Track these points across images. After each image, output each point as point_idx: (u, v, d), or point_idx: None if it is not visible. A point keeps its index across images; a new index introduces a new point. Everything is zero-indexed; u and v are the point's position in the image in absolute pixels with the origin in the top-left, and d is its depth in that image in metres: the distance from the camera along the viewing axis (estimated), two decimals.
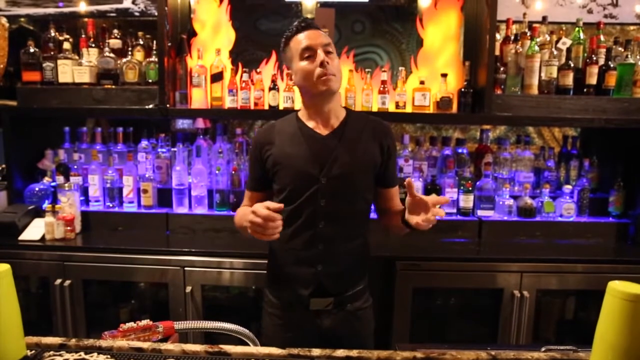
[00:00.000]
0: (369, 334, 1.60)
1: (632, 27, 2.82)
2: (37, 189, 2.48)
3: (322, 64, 1.41)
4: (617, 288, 0.88)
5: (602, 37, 2.39)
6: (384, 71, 2.35)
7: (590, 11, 2.79)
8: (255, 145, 1.56)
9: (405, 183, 1.36)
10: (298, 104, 2.38)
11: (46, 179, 2.52)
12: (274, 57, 2.51)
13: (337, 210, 1.47)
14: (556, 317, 2.36)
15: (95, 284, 2.33)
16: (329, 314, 1.50)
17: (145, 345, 1.12)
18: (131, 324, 1.19)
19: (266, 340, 1.52)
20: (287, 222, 1.42)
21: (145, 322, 1.20)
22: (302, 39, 1.45)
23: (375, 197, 1.60)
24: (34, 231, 2.29)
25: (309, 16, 2.91)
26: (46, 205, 2.31)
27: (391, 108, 2.36)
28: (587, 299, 2.31)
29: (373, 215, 1.66)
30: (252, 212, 1.28)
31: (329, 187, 1.44)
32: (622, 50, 2.38)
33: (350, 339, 1.48)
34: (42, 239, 2.26)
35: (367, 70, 2.40)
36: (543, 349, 1.24)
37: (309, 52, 1.44)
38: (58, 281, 2.15)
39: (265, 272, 1.67)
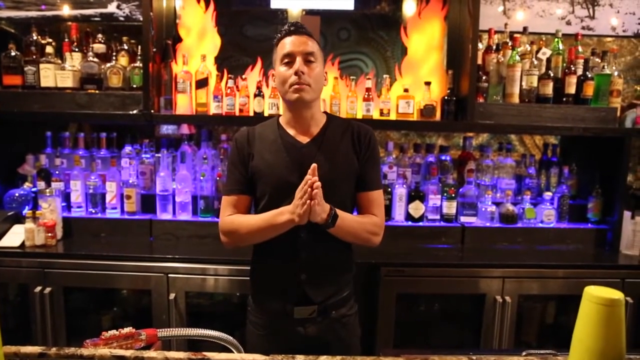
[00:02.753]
0: (355, 341, 1.59)
1: (608, 39, 2.90)
2: (17, 194, 2.44)
3: (296, 73, 1.40)
4: (593, 293, 0.91)
5: (580, 48, 2.46)
6: (369, 79, 2.38)
7: (568, 23, 2.87)
8: (236, 147, 1.53)
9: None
10: (282, 111, 2.39)
11: (27, 185, 2.48)
12: (259, 63, 2.52)
13: None
14: (537, 322, 2.40)
15: (77, 291, 2.29)
16: (313, 321, 1.49)
17: (127, 353, 1.11)
18: (113, 332, 1.17)
19: (250, 349, 1.47)
20: None
21: (127, 330, 1.18)
22: (286, 44, 1.45)
23: (357, 203, 1.57)
24: (14, 237, 2.24)
25: None
26: (26, 211, 2.27)
27: (375, 115, 2.38)
28: (567, 304, 2.36)
29: None
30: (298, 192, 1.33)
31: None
32: (599, 61, 2.45)
33: (335, 346, 1.48)
34: (22, 245, 2.22)
35: (351, 77, 2.42)
36: (524, 353, 1.26)
37: (288, 58, 1.43)
38: (38, 289, 2.11)
39: (249, 279, 1.66)
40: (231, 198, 1.52)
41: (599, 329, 0.89)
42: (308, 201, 1.32)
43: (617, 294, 0.90)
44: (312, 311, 1.47)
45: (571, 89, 2.37)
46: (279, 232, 1.42)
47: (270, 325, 1.52)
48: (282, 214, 1.39)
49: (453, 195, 2.45)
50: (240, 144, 1.52)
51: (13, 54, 2.37)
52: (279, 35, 1.48)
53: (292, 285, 1.47)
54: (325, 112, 1.60)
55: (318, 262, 1.48)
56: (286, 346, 1.40)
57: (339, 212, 1.41)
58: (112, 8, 2.83)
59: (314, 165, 1.33)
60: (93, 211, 2.47)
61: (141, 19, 2.36)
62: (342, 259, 1.55)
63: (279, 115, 1.59)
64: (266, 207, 1.46)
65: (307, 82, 1.41)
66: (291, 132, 1.51)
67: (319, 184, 1.32)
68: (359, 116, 2.37)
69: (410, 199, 2.43)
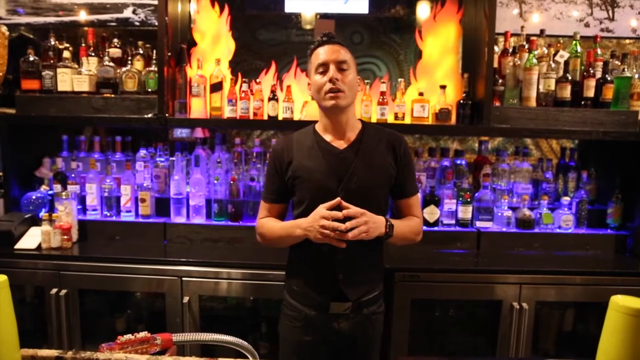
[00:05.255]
0: (378, 338, 1.67)
1: (628, 41, 2.85)
2: (34, 197, 2.47)
3: (331, 80, 1.48)
4: (620, 302, 0.88)
5: (599, 51, 2.41)
6: (383, 82, 2.36)
7: (587, 25, 2.82)
8: (274, 156, 1.62)
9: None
10: (297, 115, 2.39)
11: (43, 188, 2.51)
12: (273, 67, 2.52)
13: None
14: (555, 329, 2.35)
15: (92, 293, 2.31)
16: (346, 317, 1.56)
17: (143, 358, 1.11)
18: (129, 336, 1.17)
19: (283, 341, 1.63)
20: None
21: (143, 335, 1.18)
22: (319, 53, 1.53)
23: (396, 209, 1.67)
24: (30, 240, 2.27)
25: (308, 27, 2.93)
26: (43, 213, 2.29)
27: (390, 119, 2.36)
28: (586, 311, 2.31)
29: None
30: (322, 217, 1.42)
31: (347, 200, 1.47)
32: (619, 63, 2.40)
33: (362, 341, 1.58)
34: (39, 247, 2.24)
35: (366, 81, 2.41)
36: None
37: (322, 67, 1.52)
38: (54, 291, 2.12)
39: (281, 283, 1.70)
40: (267, 205, 1.66)
41: (626, 340, 0.86)
42: (328, 238, 1.42)
43: None
44: (347, 307, 1.54)
45: (590, 93, 2.32)
46: (296, 242, 1.54)
47: (305, 318, 1.58)
48: (297, 228, 1.50)
49: (468, 199, 2.42)
50: (278, 154, 1.61)
51: (31, 58, 2.41)
52: (313, 46, 1.58)
53: (328, 284, 1.54)
54: (359, 119, 1.65)
55: (354, 263, 1.54)
56: (318, 339, 1.56)
57: (393, 221, 1.52)
58: (127, 13, 2.86)
59: (338, 199, 1.44)
60: (108, 214, 2.48)
61: (156, 23, 2.39)
62: (375, 260, 1.63)
63: (315, 122, 1.65)
64: (305, 211, 1.53)
65: (341, 89, 1.49)
66: (327, 137, 1.58)
67: (348, 227, 1.40)
68: (374, 120, 2.35)
69: (425, 203, 2.41)
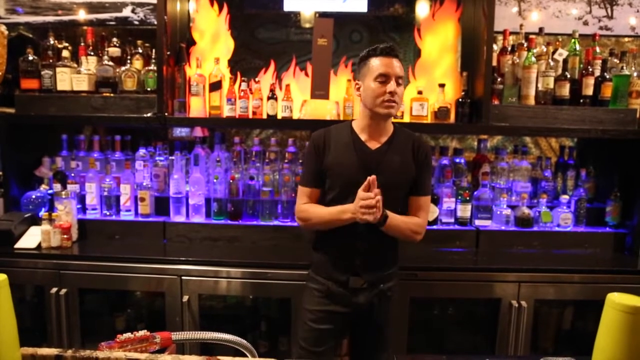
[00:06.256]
0: (393, 312, 1.84)
1: (626, 39, 2.85)
2: (33, 196, 2.47)
3: (390, 92, 1.64)
4: (617, 300, 0.88)
5: (597, 49, 2.41)
6: None
7: (585, 23, 2.82)
8: (313, 145, 1.77)
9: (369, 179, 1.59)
10: (296, 114, 2.39)
11: (43, 187, 2.51)
12: (272, 66, 2.52)
13: None
14: (554, 327, 2.36)
15: (91, 292, 2.31)
16: (364, 291, 1.75)
17: (142, 356, 1.11)
18: (128, 335, 1.17)
19: (304, 312, 1.81)
20: None
21: (142, 333, 1.18)
22: (382, 64, 1.66)
23: (408, 206, 1.79)
24: (30, 239, 2.27)
25: (307, 26, 2.93)
26: (43, 213, 2.29)
27: None
28: (585, 309, 2.31)
29: None
30: (361, 199, 1.59)
31: None
32: (618, 61, 2.40)
33: (378, 314, 1.77)
34: (38, 247, 2.25)
35: None
36: None
37: (383, 78, 1.65)
38: (54, 290, 2.13)
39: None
40: (306, 189, 1.79)
41: (623, 338, 0.87)
42: (371, 211, 1.58)
43: None
44: (364, 282, 1.74)
45: (588, 91, 2.32)
46: (341, 224, 1.69)
47: (327, 290, 1.77)
48: (345, 212, 1.66)
49: (467, 198, 2.42)
50: (317, 142, 1.76)
51: (30, 58, 2.41)
52: (371, 51, 1.69)
53: (348, 267, 1.74)
54: (392, 124, 1.80)
55: (371, 251, 1.74)
56: (338, 307, 1.75)
57: (388, 213, 1.66)
58: (126, 12, 2.86)
59: (373, 177, 1.58)
60: (107, 213, 2.49)
61: (155, 22, 2.38)
62: (391, 249, 1.81)
63: (352, 120, 1.81)
64: (334, 199, 1.73)
65: (396, 101, 1.67)
66: (363, 137, 1.75)
67: (379, 195, 1.58)
68: None
69: None
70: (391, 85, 1.64)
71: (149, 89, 2.39)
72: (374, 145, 1.74)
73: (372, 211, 1.58)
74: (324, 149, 1.74)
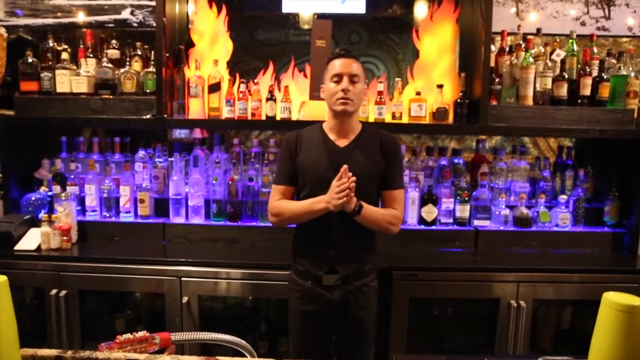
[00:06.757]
0: (371, 312, 1.86)
1: (624, 40, 2.86)
2: (33, 198, 2.48)
3: (343, 90, 1.72)
4: (612, 299, 0.89)
5: (595, 49, 2.42)
6: (381, 82, 2.37)
7: (583, 23, 2.83)
8: (286, 146, 1.85)
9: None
10: (295, 115, 2.41)
11: (43, 189, 2.51)
12: (271, 67, 2.53)
13: None
14: (553, 327, 2.36)
15: (91, 294, 2.32)
16: (338, 288, 1.78)
17: (141, 357, 1.12)
18: (128, 336, 1.18)
19: (290, 312, 1.87)
20: None
21: (142, 334, 1.19)
22: (336, 65, 1.76)
23: (382, 200, 1.86)
24: (30, 241, 2.28)
25: (306, 27, 2.94)
26: (42, 215, 2.30)
27: (388, 118, 2.37)
28: (584, 309, 2.32)
29: None
30: (335, 186, 1.65)
31: None
32: (615, 62, 2.41)
33: (354, 310, 1.80)
34: (38, 248, 2.25)
35: None
36: (539, 359, 1.24)
37: (337, 77, 1.75)
38: (53, 291, 2.13)
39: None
40: (279, 187, 1.85)
41: (619, 337, 0.87)
42: (345, 194, 1.63)
43: (637, 301, 0.88)
44: (337, 279, 1.78)
45: (586, 91, 2.33)
46: (315, 216, 1.74)
47: (304, 290, 1.82)
48: (319, 202, 1.71)
49: (466, 198, 2.43)
50: (290, 143, 1.84)
51: (30, 60, 2.41)
52: (331, 56, 1.81)
53: (323, 259, 1.79)
54: (360, 122, 1.88)
55: (345, 243, 1.78)
56: (315, 308, 1.80)
57: (363, 204, 1.71)
58: (125, 14, 2.87)
59: (345, 166, 1.65)
60: (107, 215, 2.49)
61: (154, 24, 2.38)
62: (366, 242, 1.84)
63: (322, 122, 1.88)
64: (306, 197, 1.79)
65: (350, 98, 1.73)
66: (332, 136, 1.82)
67: (354, 179, 1.63)
68: (371, 119, 2.36)
69: (423, 202, 2.42)
70: (343, 83, 1.72)
71: (148, 91, 2.39)
72: (342, 143, 1.81)
73: (345, 193, 1.62)
74: (296, 149, 1.82)
